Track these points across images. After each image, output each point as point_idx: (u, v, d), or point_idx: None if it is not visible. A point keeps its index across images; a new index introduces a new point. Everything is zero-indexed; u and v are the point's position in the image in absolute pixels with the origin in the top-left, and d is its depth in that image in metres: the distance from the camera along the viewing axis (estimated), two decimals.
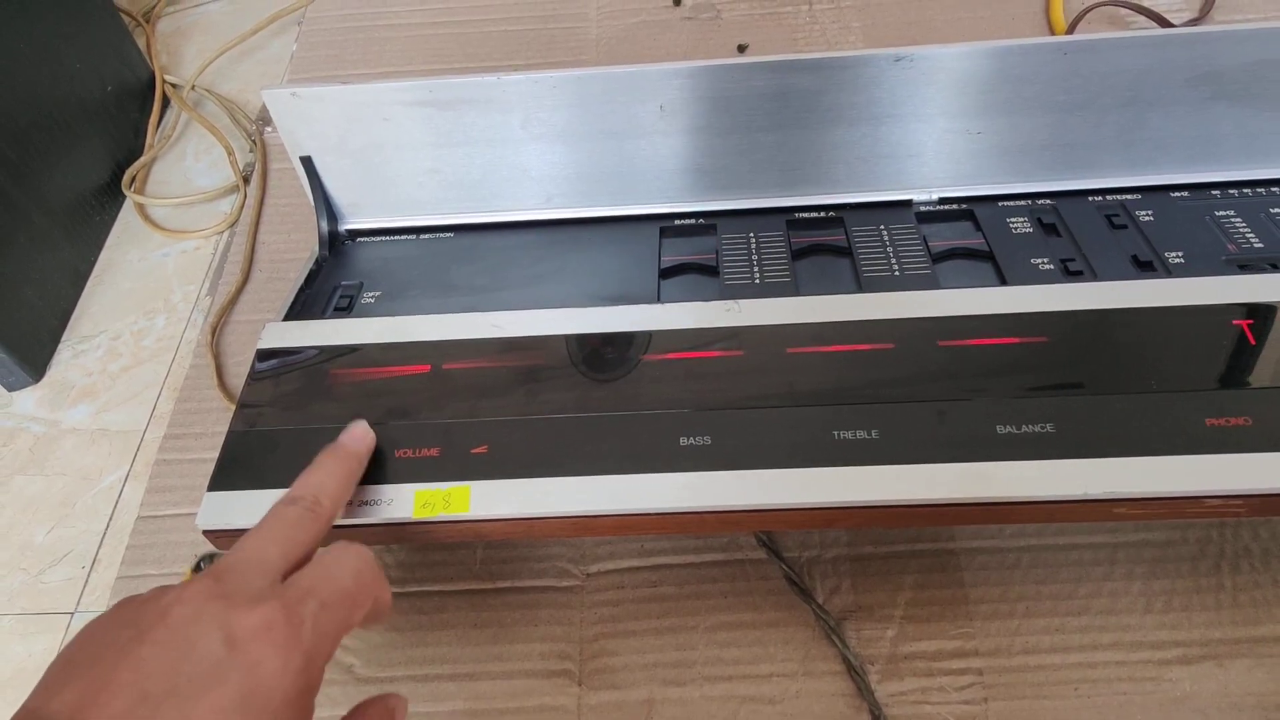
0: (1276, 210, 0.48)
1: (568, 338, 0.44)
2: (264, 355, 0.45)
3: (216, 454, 0.52)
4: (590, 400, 0.41)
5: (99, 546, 0.51)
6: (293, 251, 0.63)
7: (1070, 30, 0.71)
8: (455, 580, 0.47)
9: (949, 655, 0.43)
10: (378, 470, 0.40)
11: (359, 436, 0.39)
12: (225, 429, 0.53)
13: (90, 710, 0.24)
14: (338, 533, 0.39)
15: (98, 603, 0.49)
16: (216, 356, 0.57)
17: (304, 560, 0.32)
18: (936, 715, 0.42)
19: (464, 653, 0.45)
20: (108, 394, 0.58)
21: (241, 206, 0.66)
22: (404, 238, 0.53)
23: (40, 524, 0.52)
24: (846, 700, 0.42)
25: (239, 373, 0.56)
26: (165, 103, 0.75)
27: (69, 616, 0.49)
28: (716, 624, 0.45)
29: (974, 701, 0.42)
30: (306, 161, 0.51)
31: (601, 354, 0.43)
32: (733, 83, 0.47)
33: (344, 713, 0.32)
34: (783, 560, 0.46)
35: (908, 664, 0.43)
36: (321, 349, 0.45)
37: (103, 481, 0.54)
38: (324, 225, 0.52)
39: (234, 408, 0.53)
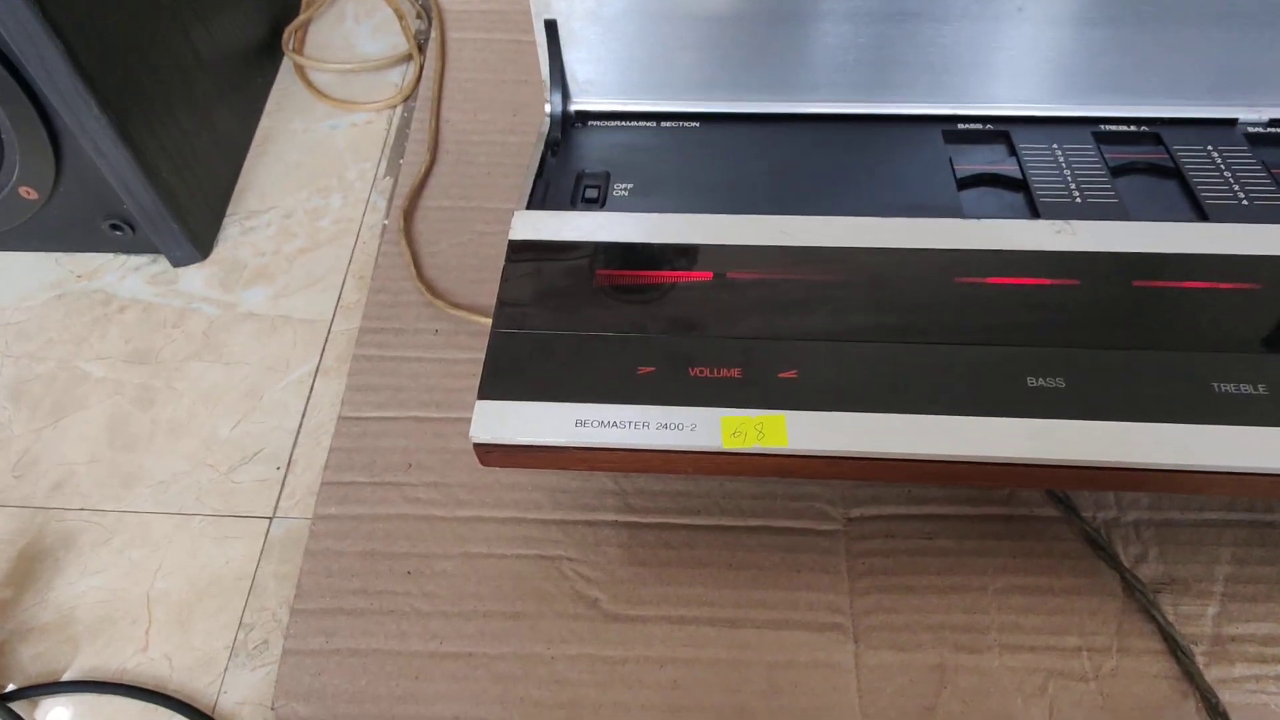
0: None
1: (871, 250, 0.38)
2: (518, 247, 0.39)
3: (423, 353, 0.47)
4: (909, 327, 0.35)
5: (294, 446, 0.46)
6: (480, 132, 0.56)
7: None
8: (702, 514, 0.42)
9: None
10: (674, 390, 0.34)
11: None
12: (427, 325, 0.48)
13: None
14: (637, 457, 0.34)
15: (298, 508, 0.44)
16: (411, 244, 0.51)
17: None
18: (1275, 706, 0.37)
19: (721, 595, 0.40)
20: (285, 277, 0.52)
21: (417, 79, 0.59)
22: (644, 124, 0.46)
23: (225, 418, 0.47)
24: (1170, 683, 0.37)
25: (434, 264, 0.50)
26: None
27: (267, 521, 0.44)
28: (1008, 586, 0.40)
29: None
30: (550, 26, 0.44)
31: (913, 273, 0.37)
32: None
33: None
34: (1083, 520, 0.41)
35: (1236, 647, 0.38)
36: (584, 245, 0.39)
37: (291, 374, 0.49)
38: (558, 104, 0.45)
39: (438, 302, 0.48)
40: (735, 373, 0.35)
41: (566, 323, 0.37)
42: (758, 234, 0.39)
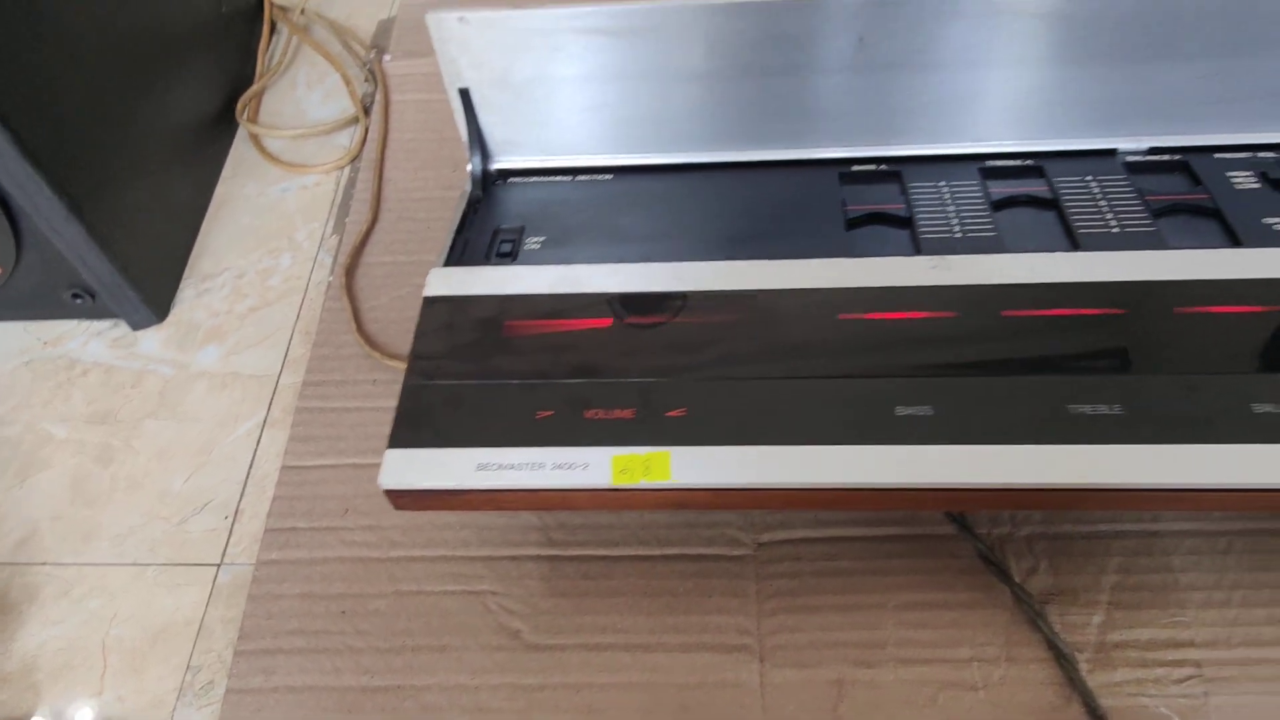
0: None
1: (760, 293, 0.41)
2: (431, 303, 0.42)
3: (361, 403, 0.50)
4: (792, 362, 0.38)
5: (241, 496, 0.49)
6: (421, 190, 0.60)
7: None
8: (621, 545, 0.45)
9: (1163, 645, 0.40)
10: (570, 431, 0.37)
11: None
12: (366, 376, 0.51)
13: None
14: (535, 496, 0.36)
15: (244, 554, 0.47)
16: (352, 300, 0.54)
17: None
18: (1154, 709, 0.39)
19: (636, 622, 0.43)
20: (236, 335, 0.55)
21: (363, 140, 0.63)
22: (559, 179, 0.49)
23: (177, 471, 0.50)
24: (1054, 690, 0.39)
25: (375, 317, 0.53)
26: (274, 27, 0.71)
27: (215, 569, 0.47)
28: (905, 603, 0.42)
29: (1194, 696, 0.39)
30: (464, 94, 0.47)
31: (798, 312, 0.40)
32: (945, 12, 0.43)
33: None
34: (976, 537, 0.43)
35: (1118, 653, 0.40)
36: (493, 298, 0.42)
37: (240, 428, 0.51)
38: (478, 164, 0.49)
39: (376, 354, 0.51)
40: (628, 413, 0.38)
41: (473, 373, 0.39)
42: (656, 280, 0.42)
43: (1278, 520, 0.43)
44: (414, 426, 0.38)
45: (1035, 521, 0.44)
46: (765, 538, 0.45)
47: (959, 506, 0.38)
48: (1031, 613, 0.41)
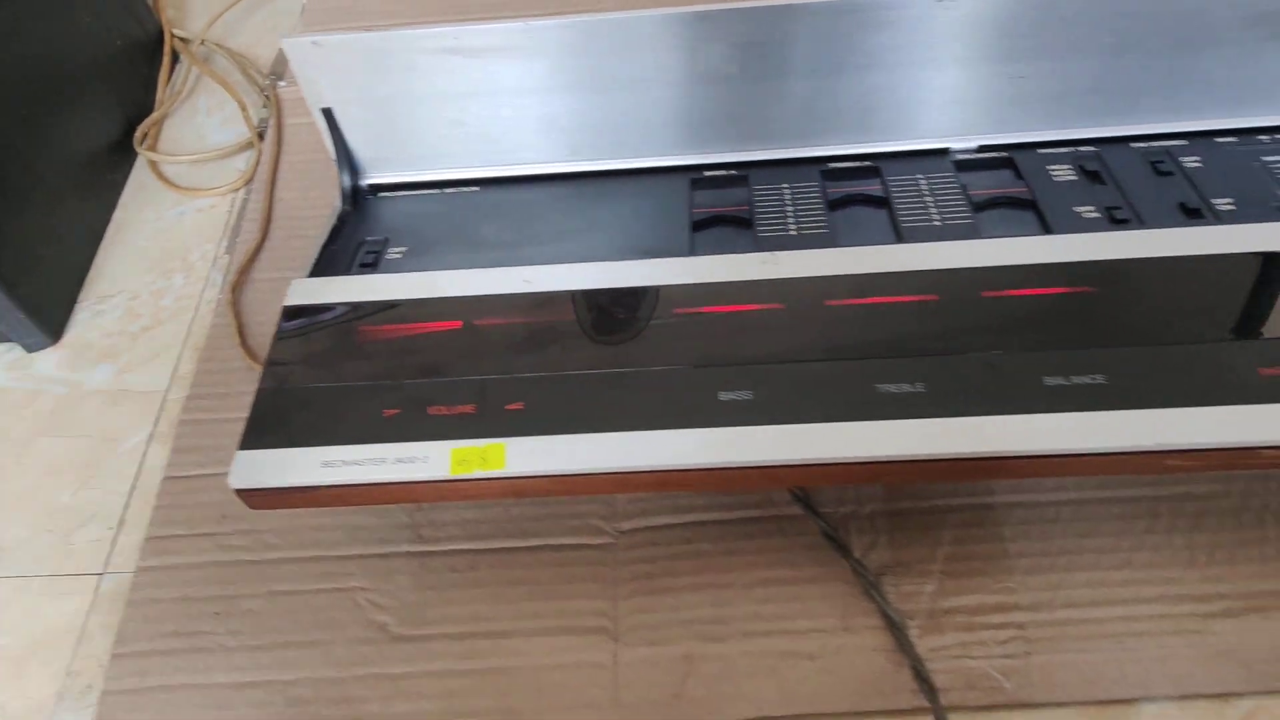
0: None
1: (600, 292, 0.43)
2: (291, 313, 0.44)
3: (242, 414, 0.52)
4: (626, 356, 0.40)
5: (125, 508, 0.51)
6: (310, 208, 0.62)
7: None
8: (488, 538, 0.47)
9: (990, 609, 0.43)
10: (413, 427, 0.39)
11: None
12: (249, 388, 0.52)
13: None
14: (379, 490, 0.38)
15: (126, 563, 0.48)
16: (238, 315, 0.56)
17: None
18: (978, 669, 0.41)
19: (498, 610, 0.45)
20: (128, 354, 0.57)
21: (257, 163, 0.65)
22: (428, 192, 0.52)
23: (65, 486, 0.52)
24: (886, 655, 0.42)
25: (261, 331, 0.55)
26: (175, 58, 0.73)
27: (98, 578, 0.48)
28: (754, 580, 0.44)
29: (1016, 655, 0.41)
30: (327, 113, 0.49)
31: (635, 309, 0.42)
32: (767, 26, 0.45)
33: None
34: (819, 516, 0.45)
35: (948, 618, 0.43)
36: (349, 305, 0.44)
37: (127, 442, 0.53)
38: (346, 180, 0.51)
39: (258, 366, 0.53)
40: (470, 408, 0.40)
41: (326, 377, 0.41)
42: (504, 284, 0.44)
43: (1102, 490, 0.46)
44: (264, 429, 0.40)
45: (878, 500, 0.46)
46: (626, 525, 0.47)
47: (777, 484, 0.40)
48: (867, 584, 0.43)
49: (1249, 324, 0.38)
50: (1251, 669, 0.41)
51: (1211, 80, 0.47)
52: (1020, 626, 0.42)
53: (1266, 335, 0.38)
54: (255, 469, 0.39)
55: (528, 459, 0.38)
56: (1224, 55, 0.46)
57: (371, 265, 0.47)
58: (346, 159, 0.51)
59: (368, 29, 0.46)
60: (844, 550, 0.44)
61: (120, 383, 0.56)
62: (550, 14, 0.45)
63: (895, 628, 0.42)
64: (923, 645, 0.42)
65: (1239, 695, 0.41)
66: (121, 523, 0.50)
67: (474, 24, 0.45)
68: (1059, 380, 0.37)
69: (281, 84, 0.68)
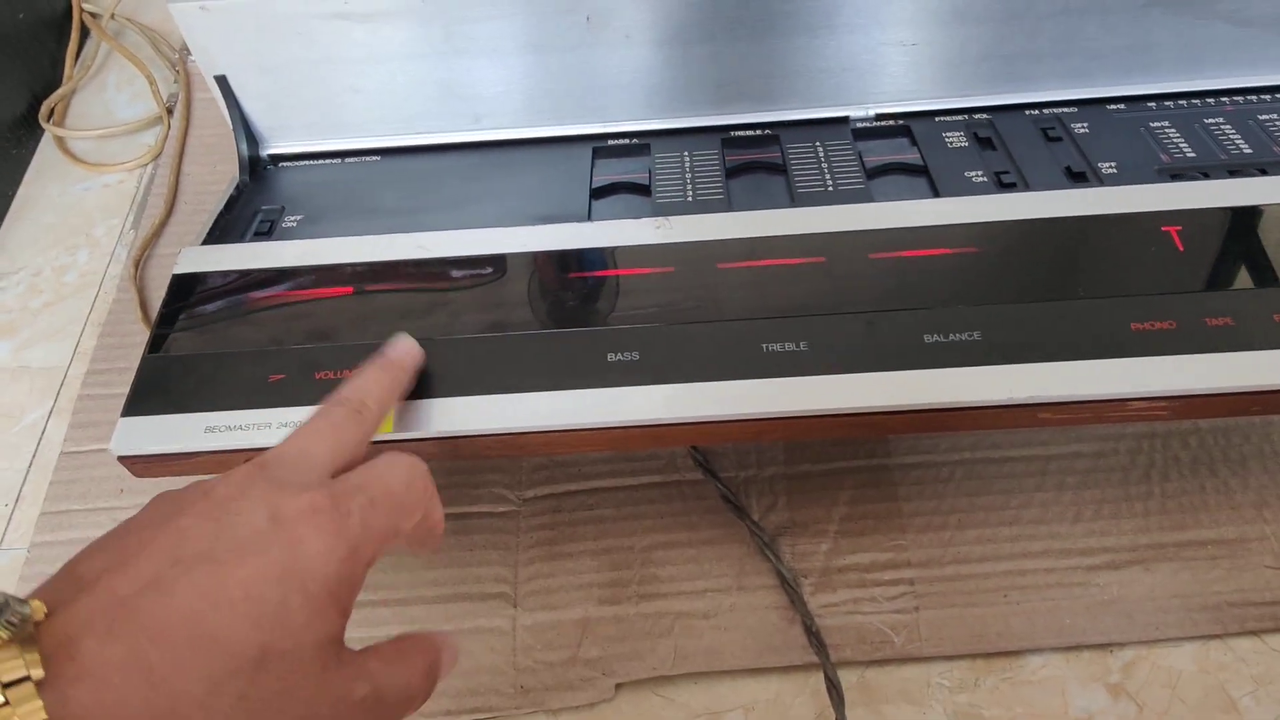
0: (1210, 121, 0.48)
1: (493, 257, 0.43)
2: (179, 280, 0.43)
3: None
4: (516, 319, 0.40)
5: (23, 484, 0.50)
6: (217, 183, 0.61)
7: None
8: None
9: (882, 567, 0.43)
10: (300, 392, 0.39)
11: (405, 348, 0.37)
12: None
13: (119, 571, 0.23)
14: (249, 452, 0.38)
15: (22, 539, 0.48)
16: (140, 290, 0.55)
17: (352, 463, 0.31)
18: (868, 624, 0.42)
19: (398, 579, 0.45)
20: (29, 330, 0.56)
21: (165, 138, 0.64)
22: (328, 162, 0.51)
23: None
24: (779, 613, 0.42)
25: None
26: (84, 33, 0.72)
27: None
28: (652, 544, 0.45)
29: (905, 610, 0.42)
30: (221, 81, 0.49)
31: (528, 273, 0.42)
32: None
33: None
34: (718, 479, 0.46)
35: (840, 576, 0.43)
36: (238, 273, 0.43)
37: (25, 419, 0.52)
38: (244, 149, 0.50)
39: None
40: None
41: (213, 344, 0.41)
42: (398, 250, 0.44)
43: (995, 450, 0.47)
44: (148, 397, 0.39)
45: (778, 464, 0.47)
46: (530, 493, 0.47)
47: (664, 443, 0.40)
48: (762, 544, 0.44)
49: (1125, 282, 0.39)
50: (1133, 619, 0.42)
51: (1100, 49, 0.48)
52: (910, 583, 0.43)
53: (1140, 293, 0.39)
54: (138, 436, 0.38)
55: (415, 421, 0.38)
56: (1110, 23, 0.47)
57: (266, 234, 0.47)
58: (244, 128, 0.50)
59: None
60: (741, 512, 0.45)
61: (19, 359, 0.55)
62: None
63: (789, 585, 0.42)
64: (815, 602, 0.42)
65: (1121, 645, 0.42)
66: (19, 499, 0.49)
67: None
68: (937, 338, 0.38)
69: (192, 59, 0.67)
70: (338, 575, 0.26)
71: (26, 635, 0.20)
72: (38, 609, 0.21)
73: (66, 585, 0.23)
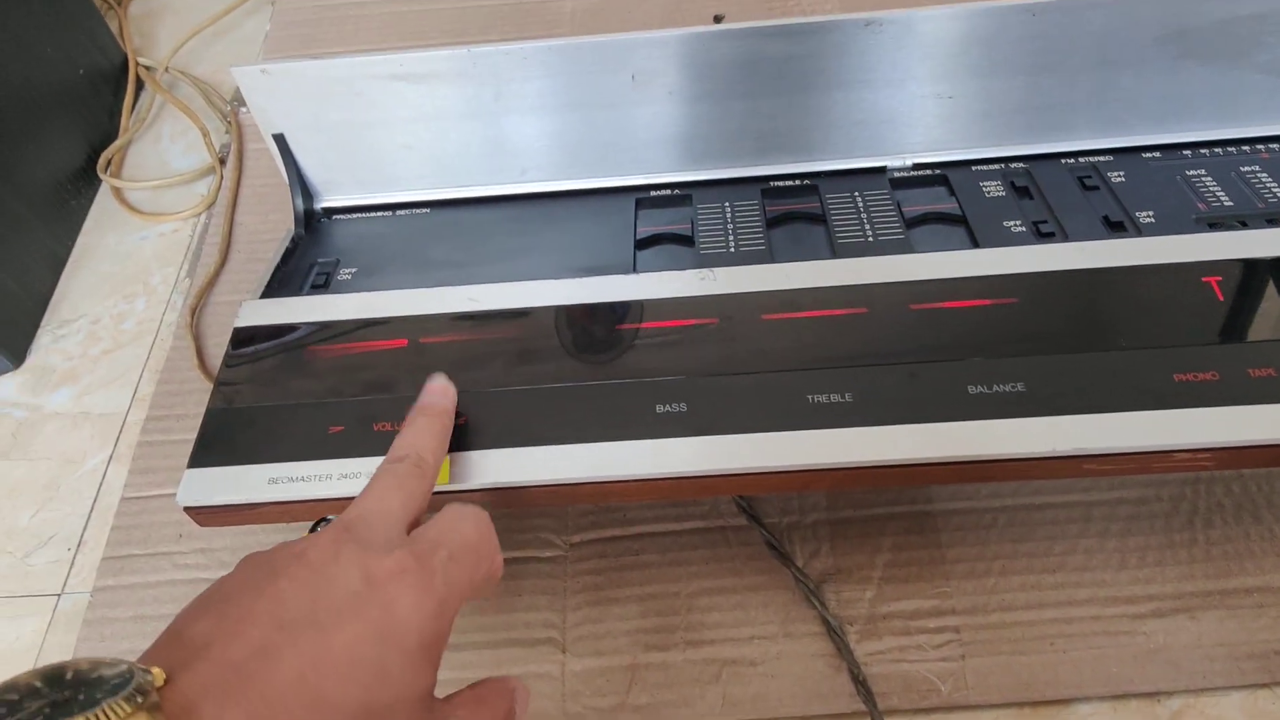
0: (1246, 169, 0.48)
1: (543, 310, 0.44)
2: (241, 333, 0.45)
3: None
4: (567, 371, 0.41)
5: (84, 529, 0.51)
6: (270, 232, 0.63)
7: None
8: None
9: (926, 614, 0.44)
10: (357, 443, 0.40)
11: (441, 392, 0.38)
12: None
13: (229, 638, 0.24)
14: (323, 506, 0.39)
15: (84, 584, 0.49)
16: (196, 338, 0.57)
17: (420, 516, 0.32)
18: (914, 672, 0.42)
19: None
20: (89, 377, 0.58)
21: (218, 188, 0.66)
22: (380, 214, 0.53)
23: (25, 508, 0.52)
24: (826, 660, 0.43)
25: (219, 353, 0.56)
26: (139, 86, 0.74)
27: (55, 598, 0.49)
28: (698, 590, 0.45)
29: (951, 658, 0.42)
30: (279, 139, 0.50)
31: (577, 325, 0.43)
32: (703, 50, 0.47)
33: None
34: (762, 526, 0.47)
35: (886, 623, 0.44)
36: (298, 326, 0.45)
37: (86, 464, 0.54)
38: (299, 203, 0.52)
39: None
40: None
41: (274, 396, 0.42)
42: (450, 303, 0.45)
43: (1037, 496, 0.47)
44: (212, 448, 0.41)
45: (821, 509, 0.47)
46: (576, 538, 0.48)
47: (711, 493, 0.41)
48: (808, 591, 0.44)
49: (1165, 333, 0.40)
50: (1180, 668, 0.42)
51: (1134, 98, 0.49)
52: (956, 630, 0.43)
53: (1182, 344, 0.39)
54: (203, 487, 0.40)
55: (471, 472, 0.39)
56: (1143, 74, 0.48)
57: (323, 286, 0.48)
58: (299, 183, 0.52)
59: (317, 57, 0.48)
60: (786, 559, 0.45)
61: (80, 405, 0.56)
62: (493, 41, 0.47)
63: (835, 633, 0.43)
64: (860, 650, 0.43)
65: (1169, 694, 0.42)
66: (81, 543, 0.51)
67: (417, 51, 0.47)
68: (981, 389, 0.39)
69: (243, 110, 0.70)
70: (430, 631, 0.27)
71: (153, 704, 0.21)
72: (158, 675, 0.23)
73: (176, 650, 0.24)
